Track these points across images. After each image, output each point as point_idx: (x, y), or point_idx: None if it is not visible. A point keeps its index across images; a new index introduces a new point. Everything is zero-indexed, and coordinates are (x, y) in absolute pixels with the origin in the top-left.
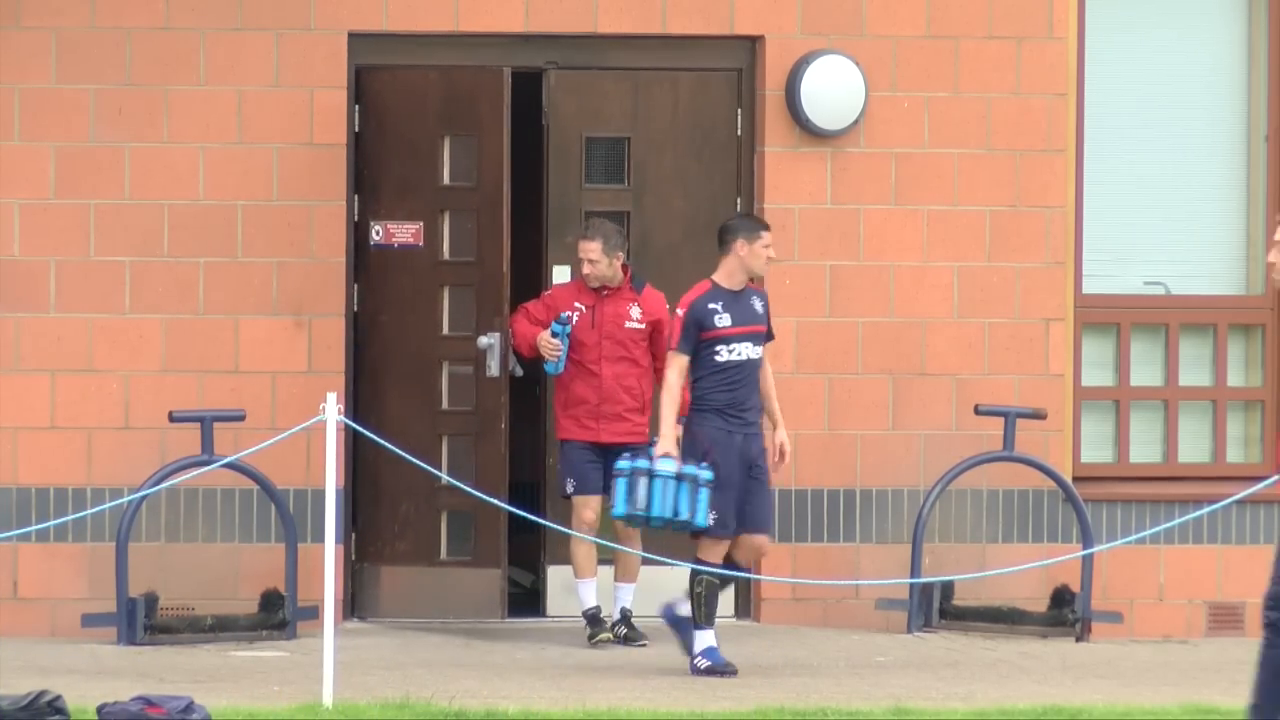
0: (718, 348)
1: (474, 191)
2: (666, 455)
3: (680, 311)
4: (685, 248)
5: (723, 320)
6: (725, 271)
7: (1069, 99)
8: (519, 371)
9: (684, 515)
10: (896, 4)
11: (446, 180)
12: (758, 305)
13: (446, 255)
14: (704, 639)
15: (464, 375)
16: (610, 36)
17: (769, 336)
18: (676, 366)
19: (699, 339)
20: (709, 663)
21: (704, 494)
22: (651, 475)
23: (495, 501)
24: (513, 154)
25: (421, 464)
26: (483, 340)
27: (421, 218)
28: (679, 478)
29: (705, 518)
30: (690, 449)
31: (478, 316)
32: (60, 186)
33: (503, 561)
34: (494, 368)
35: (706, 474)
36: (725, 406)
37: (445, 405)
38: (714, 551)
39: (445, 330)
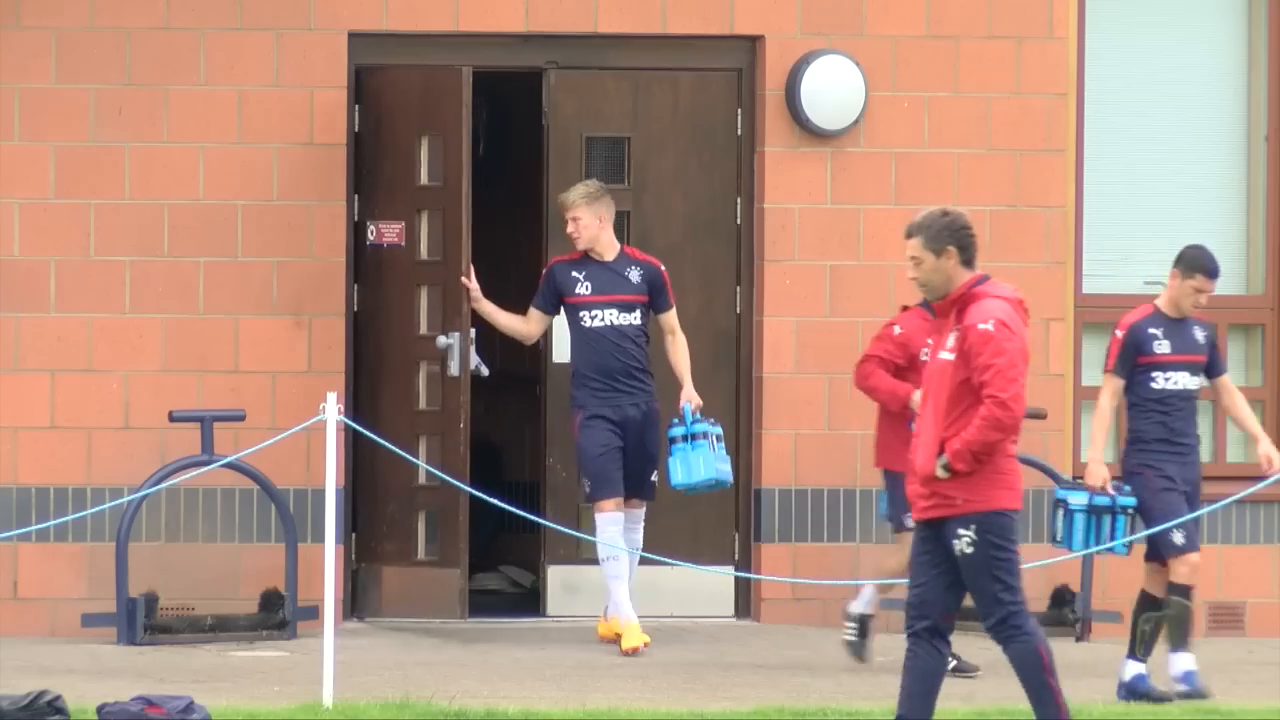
0: (1154, 374)
1: (442, 191)
2: (1081, 487)
3: (1119, 333)
4: (685, 248)
5: (1161, 347)
6: (1168, 298)
7: (1069, 99)
8: (484, 371)
9: (1099, 546)
10: (896, 4)
11: (424, 180)
12: (1199, 335)
13: (424, 255)
14: (1182, 662)
15: (436, 375)
16: (610, 36)
17: (1217, 369)
18: (1110, 389)
19: (1134, 363)
20: (1187, 687)
21: (1121, 521)
22: (1068, 509)
23: (491, 499)
24: (513, 154)
25: (421, 463)
26: (442, 340)
27: (403, 217)
28: (1091, 510)
29: (1122, 545)
30: (1128, 479)
31: (443, 316)
32: (60, 186)
33: (462, 561)
34: (454, 368)
35: (1126, 500)
36: (1161, 436)
37: (422, 405)
38: (1155, 576)
39: (422, 330)
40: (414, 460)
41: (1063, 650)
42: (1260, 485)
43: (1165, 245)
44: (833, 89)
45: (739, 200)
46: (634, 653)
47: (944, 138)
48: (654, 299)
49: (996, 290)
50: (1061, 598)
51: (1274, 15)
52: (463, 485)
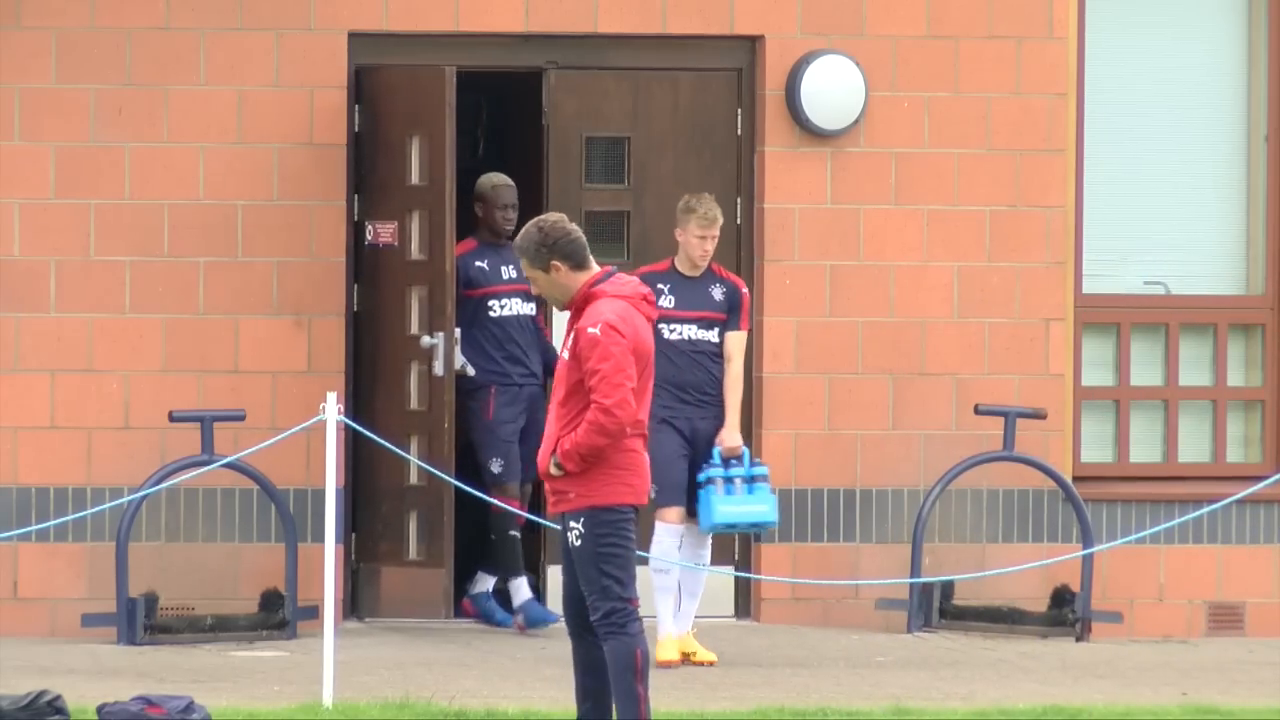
0: None
1: (428, 190)
2: None
3: None
4: None
5: None
6: None
7: (1069, 99)
8: (470, 371)
9: None
10: (896, 4)
11: (414, 180)
12: None
13: (413, 255)
14: None
15: (425, 375)
16: (610, 36)
17: None
18: None
19: None
20: None
21: None
22: None
23: (493, 500)
24: (513, 153)
25: (422, 463)
26: (426, 340)
27: (395, 217)
28: None
29: None
30: None
31: (430, 316)
32: (60, 186)
33: (447, 561)
34: (438, 367)
35: None
36: None
37: (413, 405)
38: None
39: (413, 330)
40: (414, 461)
41: (1062, 650)
42: (1260, 485)
43: (1165, 245)
44: (833, 89)
45: (739, 200)
46: (668, 666)
47: (944, 138)
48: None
49: (615, 289)
50: (1061, 598)
51: (1274, 15)
52: (459, 483)
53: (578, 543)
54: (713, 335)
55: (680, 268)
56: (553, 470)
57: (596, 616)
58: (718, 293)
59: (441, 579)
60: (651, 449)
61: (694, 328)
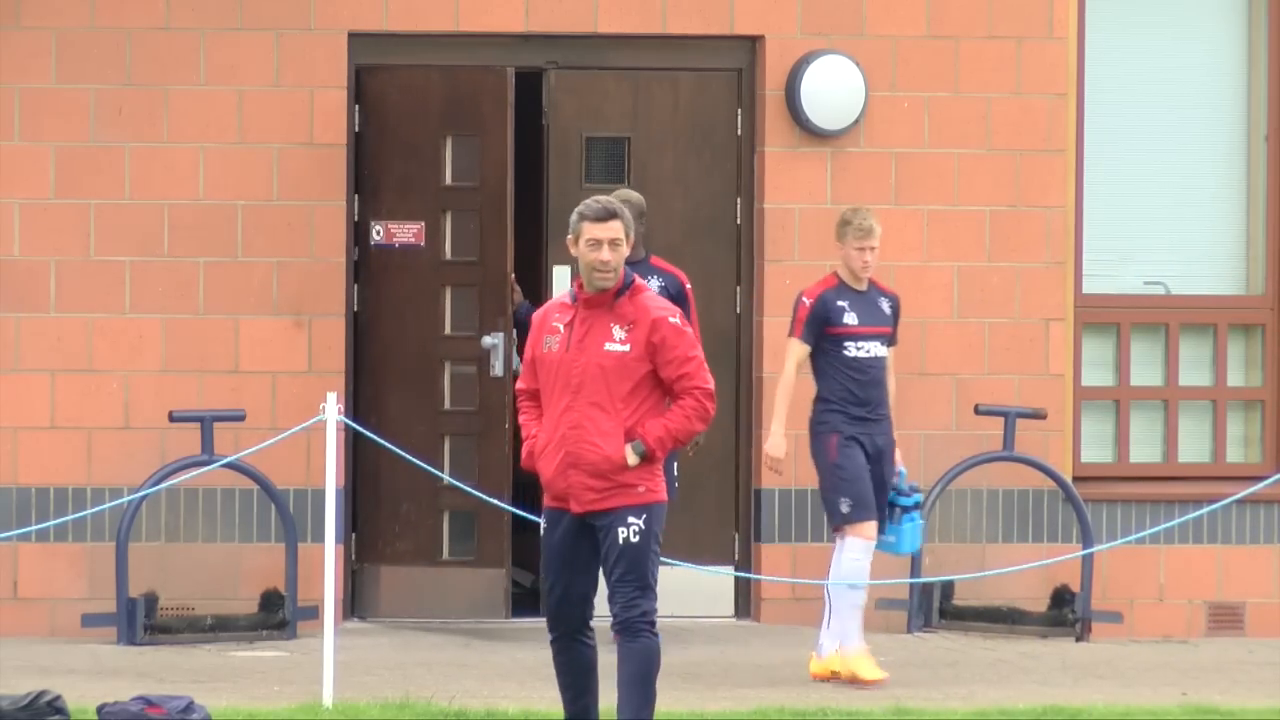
0: None
1: (476, 191)
2: None
3: None
4: (685, 248)
5: None
6: None
7: (1069, 99)
8: None
9: None
10: (896, 4)
11: (449, 180)
12: None
13: (449, 255)
14: None
15: (466, 375)
16: (610, 36)
17: None
18: None
19: None
20: None
21: None
22: None
23: (496, 502)
24: (513, 154)
25: (422, 464)
26: (487, 340)
27: (423, 218)
28: None
29: None
30: None
31: (481, 317)
32: (60, 186)
33: (506, 561)
34: (498, 367)
35: None
36: None
37: (448, 405)
38: None
39: (447, 330)
40: (414, 461)
41: (1062, 650)
42: (1260, 485)
43: (1165, 245)
44: (833, 89)
45: (739, 200)
46: (879, 684)
47: (944, 138)
48: (895, 330)
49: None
50: (1061, 598)
51: (1274, 15)
52: (466, 487)
53: (635, 539)
54: (884, 349)
55: (848, 282)
56: (632, 460)
57: (634, 613)
58: (885, 306)
59: (501, 579)
60: (843, 464)
61: (877, 343)
